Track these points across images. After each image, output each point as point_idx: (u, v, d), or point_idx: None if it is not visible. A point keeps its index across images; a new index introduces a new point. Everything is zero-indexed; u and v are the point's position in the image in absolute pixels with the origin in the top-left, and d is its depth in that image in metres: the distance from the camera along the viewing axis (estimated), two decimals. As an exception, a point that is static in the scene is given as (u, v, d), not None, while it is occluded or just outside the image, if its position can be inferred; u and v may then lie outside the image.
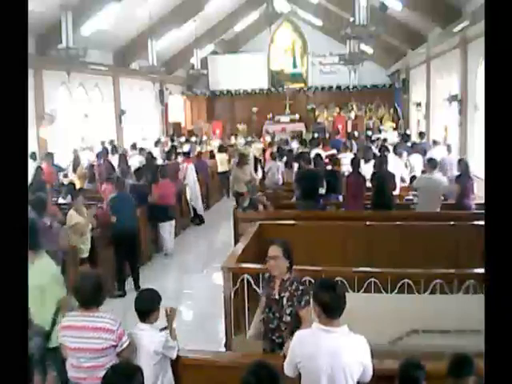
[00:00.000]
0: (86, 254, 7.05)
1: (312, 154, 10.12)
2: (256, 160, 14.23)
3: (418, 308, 4.81)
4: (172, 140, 18.26)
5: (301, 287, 3.74)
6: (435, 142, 12.90)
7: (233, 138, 20.25)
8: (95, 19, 12.09)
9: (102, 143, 14.25)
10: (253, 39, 24.09)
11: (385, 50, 19.51)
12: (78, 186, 9.61)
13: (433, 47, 14.50)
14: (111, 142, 14.76)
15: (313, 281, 4.59)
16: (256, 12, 20.91)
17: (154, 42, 14.31)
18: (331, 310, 3.02)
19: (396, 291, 4.83)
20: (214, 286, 7.50)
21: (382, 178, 8.45)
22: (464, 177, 8.18)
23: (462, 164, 8.48)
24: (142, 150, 13.52)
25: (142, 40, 15.20)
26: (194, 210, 11.96)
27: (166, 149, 14.64)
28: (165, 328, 3.68)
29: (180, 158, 13.04)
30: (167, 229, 9.53)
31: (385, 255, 6.24)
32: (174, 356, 3.65)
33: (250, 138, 20.07)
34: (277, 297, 3.77)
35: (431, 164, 8.34)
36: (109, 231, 7.79)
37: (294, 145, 15.60)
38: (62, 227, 6.56)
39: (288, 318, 3.70)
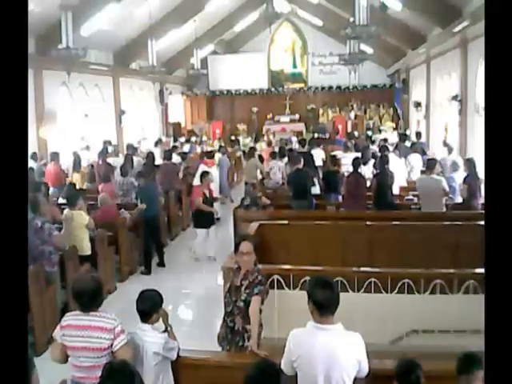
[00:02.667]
0: (89, 252, 7.09)
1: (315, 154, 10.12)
2: (260, 158, 14.18)
3: (418, 308, 4.81)
4: (175, 140, 18.21)
5: (259, 277, 4.00)
6: (446, 145, 12.53)
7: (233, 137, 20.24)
8: (95, 19, 12.10)
9: (104, 143, 14.21)
10: (253, 39, 24.08)
11: (385, 50, 19.51)
12: (78, 186, 9.62)
13: (433, 47, 14.49)
14: (105, 142, 14.60)
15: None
16: (256, 12, 20.88)
17: (153, 42, 14.30)
18: (325, 308, 3.02)
19: (396, 291, 4.83)
20: (214, 286, 7.50)
21: (383, 178, 8.44)
22: (471, 177, 8.15)
23: (470, 164, 8.41)
24: (135, 150, 13.39)
25: (142, 40, 15.21)
26: None
27: (167, 148, 14.58)
28: (165, 330, 3.68)
29: (176, 159, 12.90)
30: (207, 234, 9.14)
31: (385, 255, 6.23)
32: (174, 357, 3.65)
33: (250, 138, 20.02)
34: (238, 284, 4.05)
35: (429, 164, 8.33)
36: (111, 229, 7.94)
37: (295, 145, 15.57)
38: (53, 227, 6.45)
39: (241, 304, 3.95)
